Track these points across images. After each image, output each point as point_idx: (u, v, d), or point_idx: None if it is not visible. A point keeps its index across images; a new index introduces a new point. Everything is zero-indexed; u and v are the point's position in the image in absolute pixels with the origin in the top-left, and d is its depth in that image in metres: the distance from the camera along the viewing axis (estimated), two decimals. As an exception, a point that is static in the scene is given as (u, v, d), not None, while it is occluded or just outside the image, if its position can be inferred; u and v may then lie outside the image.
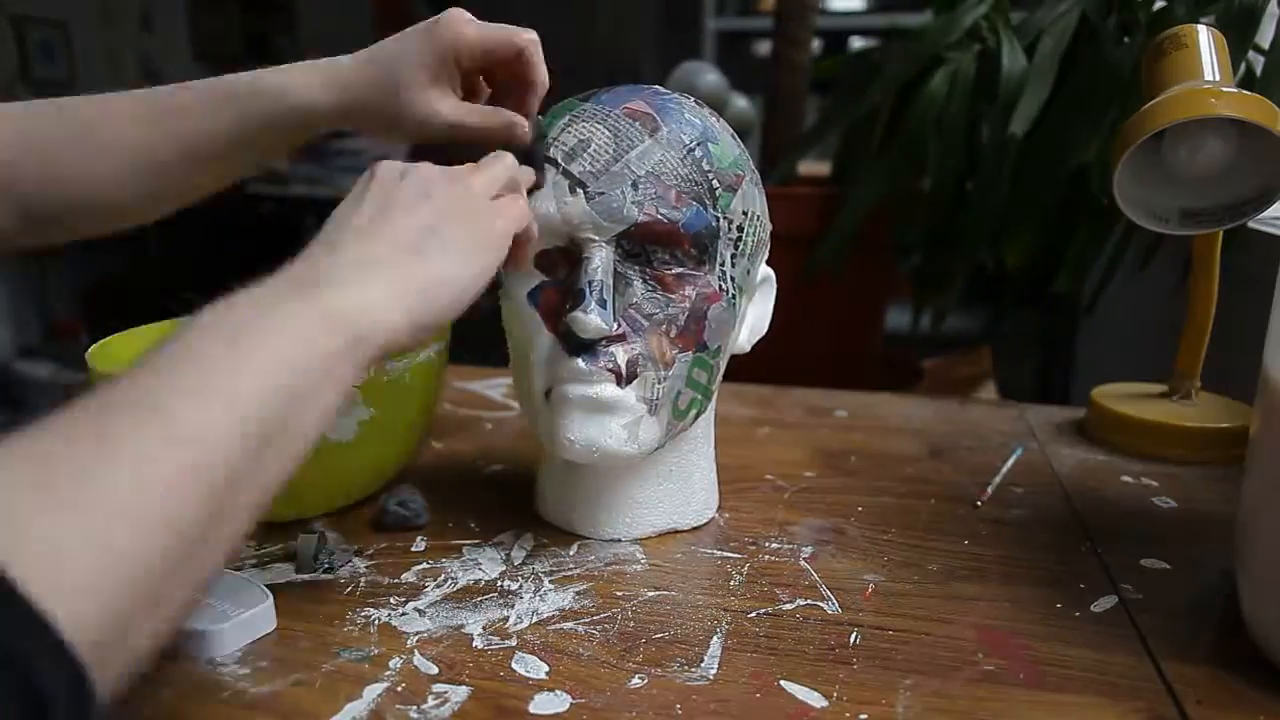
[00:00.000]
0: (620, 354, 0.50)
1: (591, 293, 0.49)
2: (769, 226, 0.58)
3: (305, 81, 0.52)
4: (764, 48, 2.70)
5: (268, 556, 0.55)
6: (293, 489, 0.58)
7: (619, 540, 0.57)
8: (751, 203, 0.55)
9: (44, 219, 0.52)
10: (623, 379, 0.50)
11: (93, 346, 0.59)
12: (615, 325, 0.50)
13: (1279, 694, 0.41)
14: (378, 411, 0.56)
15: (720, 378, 0.57)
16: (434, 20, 0.53)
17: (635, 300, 0.51)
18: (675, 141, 0.51)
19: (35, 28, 3.58)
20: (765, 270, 0.59)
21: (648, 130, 0.51)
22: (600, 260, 0.50)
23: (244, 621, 0.46)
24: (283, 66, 0.53)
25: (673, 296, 0.52)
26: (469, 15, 0.53)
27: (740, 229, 0.54)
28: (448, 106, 0.53)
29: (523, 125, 0.53)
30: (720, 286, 0.53)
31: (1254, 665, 0.43)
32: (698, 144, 0.52)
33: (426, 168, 0.44)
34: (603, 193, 0.50)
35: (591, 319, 0.48)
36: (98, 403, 0.29)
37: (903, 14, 2.12)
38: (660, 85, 0.57)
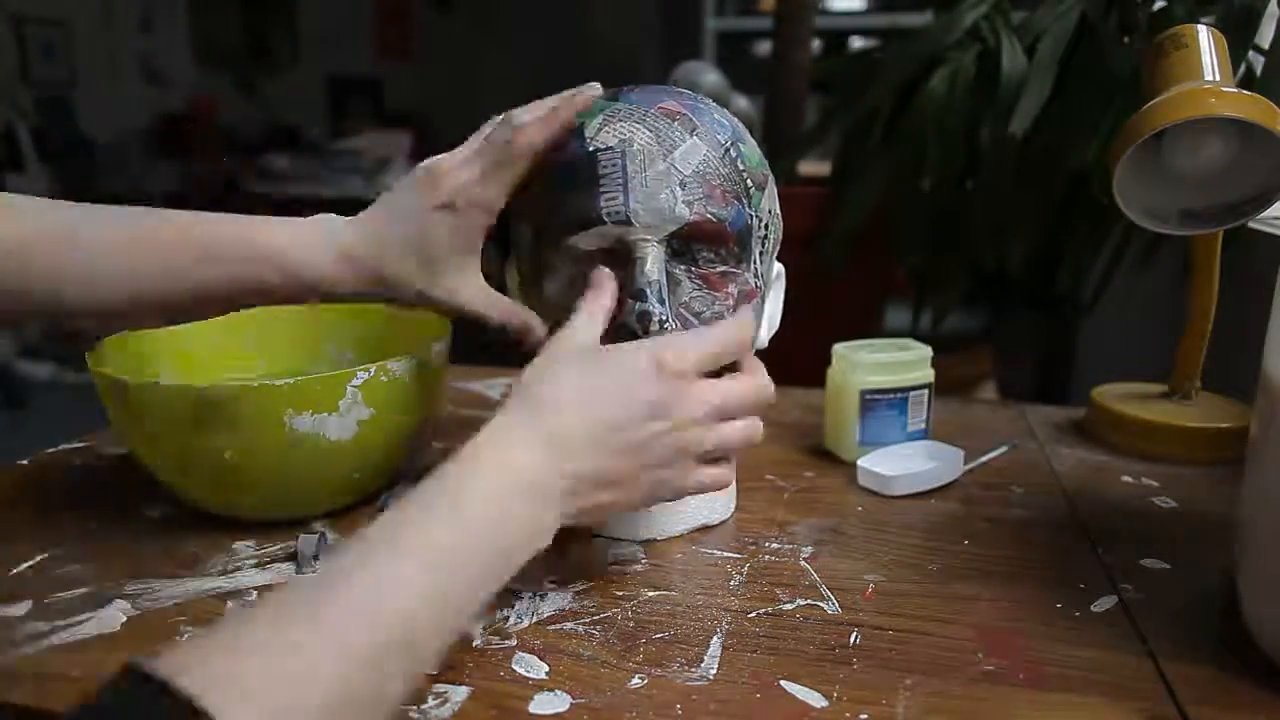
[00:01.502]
0: None
1: (652, 291, 0.49)
2: (782, 223, 0.59)
3: (307, 253, 0.50)
4: (764, 48, 2.70)
5: (268, 557, 0.55)
6: (293, 489, 0.58)
7: (655, 539, 0.57)
8: (774, 201, 0.57)
9: (28, 315, 0.50)
10: None
11: (93, 346, 0.59)
12: (672, 325, 0.50)
13: (1279, 694, 0.41)
14: (378, 411, 0.56)
15: None
16: (442, 187, 0.50)
17: (685, 299, 0.52)
18: (713, 141, 0.52)
19: (35, 28, 3.57)
20: (778, 265, 0.60)
21: (687, 130, 0.51)
22: (647, 257, 0.50)
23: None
24: (296, 236, 0.51)
25: (718, 295, 0.52)
26: (467, 162, 0.51)
27: (767, 227, 0.55)
28: (472, 295, 0.53)
29: (539, 333, 0.54)
30: (755, 284, 0.54)
31: (1254, 665, 0.43)
32: (732, 143, 0.53)
33: (713, 403, 0.46)
34: (651, 192, 0.50)
35: (656, 314, 0.49)
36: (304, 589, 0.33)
37: (903, 14, 2.13)
38: (661, 86, 0.57)
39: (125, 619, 0.48)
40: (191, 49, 4.34)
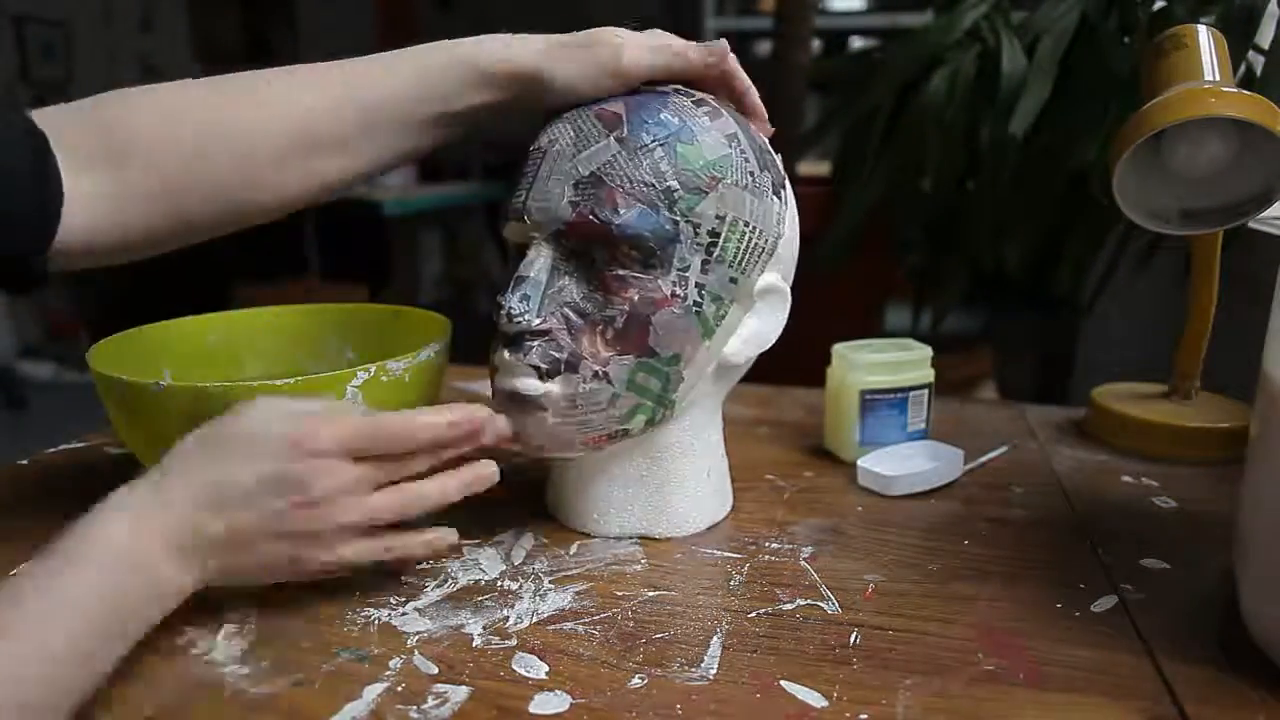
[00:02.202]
0: (542, 350, 0.51)
1: (515, 286, 0.50)
2: (784, 235, 0.55)
3: (491, 41, 0.54)
4: (764, 48, 2.70)
5: (268, 556, 0.55)
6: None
7: (592, 536, 0.58)
8: (736, 207, 0.52)
9: (203, 218, 0.52)
10: (543, 374, 0.51)
11: (93, 346, 0.59)
12: (540, 320, 0.51)
13: (1279, 694, 0.41)
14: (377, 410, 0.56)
15: (702, 388, 0.56)
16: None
17: (572, 299, 0.51)
18: (632, 141, 0.50)
19: (35, 28, 3.57)
20: (770, 280, 0.55)
21: (608, 130, 0.51)
22: (535, 256, 0.51)
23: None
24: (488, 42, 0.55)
25: (612, 298, 0.51)
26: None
27: (715, 234, 0.52)
28: (639, 52, 0.53)
29: (722, 52, 0.55)
30: (674, 292, 0.51)
31: (1254, 665, 0.43)
32: (659, 144, 0.50)
33: (334, 478, 0.44)
34: (545, 191, 0.51)
35: (507, 308, 0.50)
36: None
37: (903, 14, 2.12)
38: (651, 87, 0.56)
39: (125, 619, 0.48)
40: (191, 49, 4.34)
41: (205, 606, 0.49)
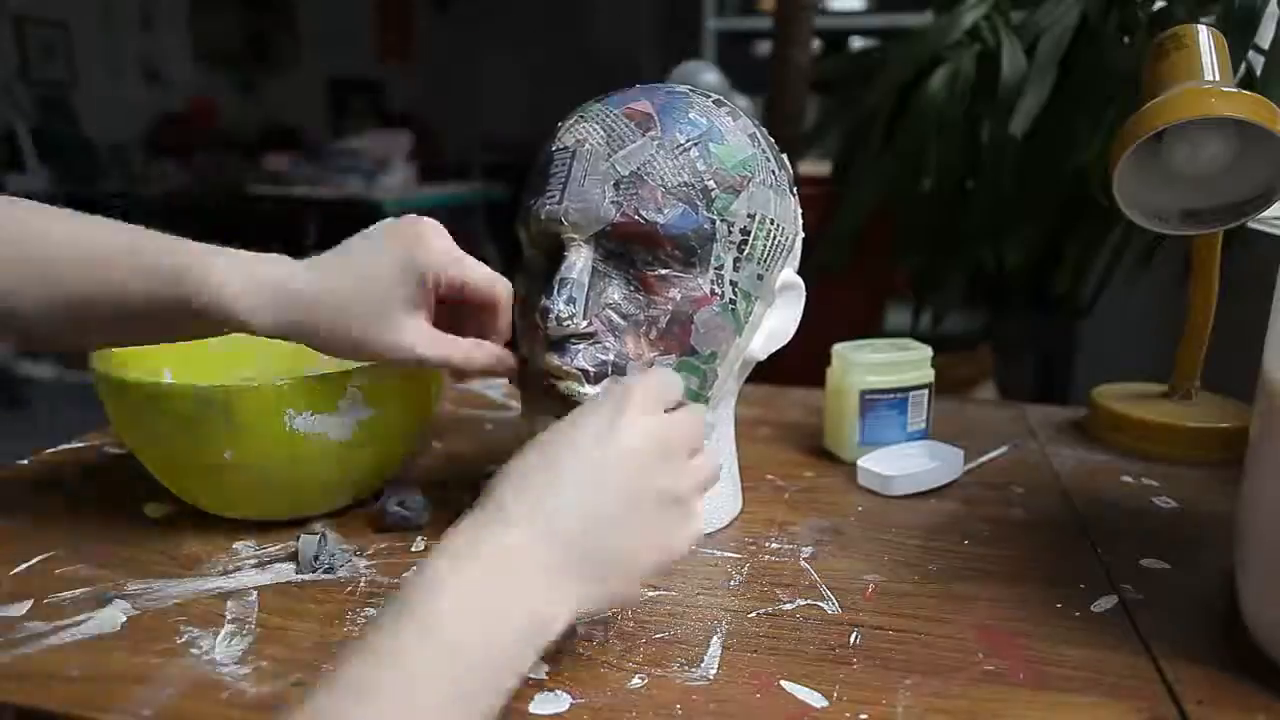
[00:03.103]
0: (589, 353, 0.50)
1: (560, 289, 0.49)
2: (799, 233, 0.57)
3: (245, 296, 0.47)
4: (764, 48, 2.69)
5: (268, 557, 0.55)
6: (293, 489, 0.58)
7: None
8: (764, 206, 0.53)
9: None
10: (590, 378, 0.50)
11: (93, 346, 0.59)
12: (586, 323, 0.50)
13: (1279, 694, 0.41)
14: (378, 411, 0.56)
15: (728, 385, 0.56)
16: (412, 235, 0.50)
17: (614, 300, 0.51)
18: (668, 140, 0.51)
19: (35, 28, 3.57)
20: (789, 277, 0.57)
21: (641, 129, 0.51)
22: (576, 258, 0.50)
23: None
24: (227, 259, 0.48)
25: (655, 298, 0.51)
26: (444, 235, 0.50)
27: (746, 232, 0.52)
28: (423, 340, 0.49)
29: (509, 361, 0.52)
30: (713, 290, 0.52)
31: (1254, 665, 0.43)
32: (694, 143, 0.51)
33: (671, 439, 0.40)
34: (583, 192, 0.50)
35: (554, 312, 0.49)
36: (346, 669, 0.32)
37: (903, 14, 2.12)
38: (658, 85, 0.56)
39: (125, 619, 0.48)
40: (191, 49, 4.34)
41: (205, 606, 0.49)
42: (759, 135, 0.55)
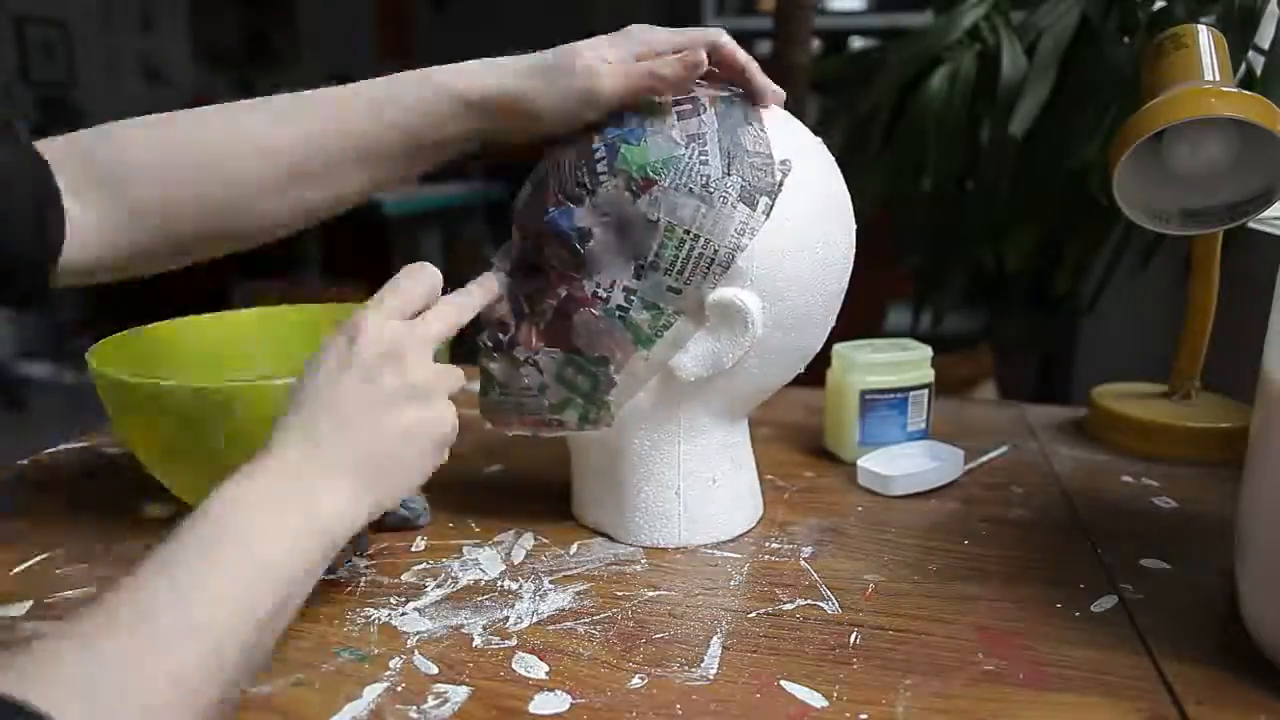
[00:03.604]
0: (492, 329, 0.55)
1: (483, 278, 0.53)
2: (741, 247, 0.50)
3: (469, 67, 0.52)
4: (764, 48, 2.69)
5: (268, 556, 0.55)
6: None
7: (568, 521, 0.60)
8: (672, 213, 0.49)
9: (194, 241, 0.53)
10: (488, 352, 0.55)
11: (93, 346, 0.59)
12: (495, 307, 0.54)
13: (1279, 694, 0.41)
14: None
15: (647, 397, 0.54)
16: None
17: (528, 290, 0.54)
18: (585, 139, 0.51)
19: (35, 28, 3.57)
20: (726, 297, 0.50)
21: (583, 130, 0.52)
22: (507, 249, 0.55)
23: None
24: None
25: (547, 293, 0.53)
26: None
27: (648, 238, 0.50)
28: (610, 70, 0.50)
29: (698, 58, 0.50)
30: (596, 294, 0.51)
31: (1254, 665, 0.43)
32: (606, 145, 0.51)
33: (399, 344, 0.44)
34: (525, 188, 0.55)
35: (471, 286, 0.52)
36: (111, 605, 0.32)
37: (903, 14, 2.12)
38: None
39: (125, 619, 0.48)
40: (191, 49, 4.34)
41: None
42: (711, 136, 0.50)
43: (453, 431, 0.46)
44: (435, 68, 0.52)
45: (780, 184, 0.50)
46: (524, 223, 0.54)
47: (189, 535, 0.35)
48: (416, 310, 0.46)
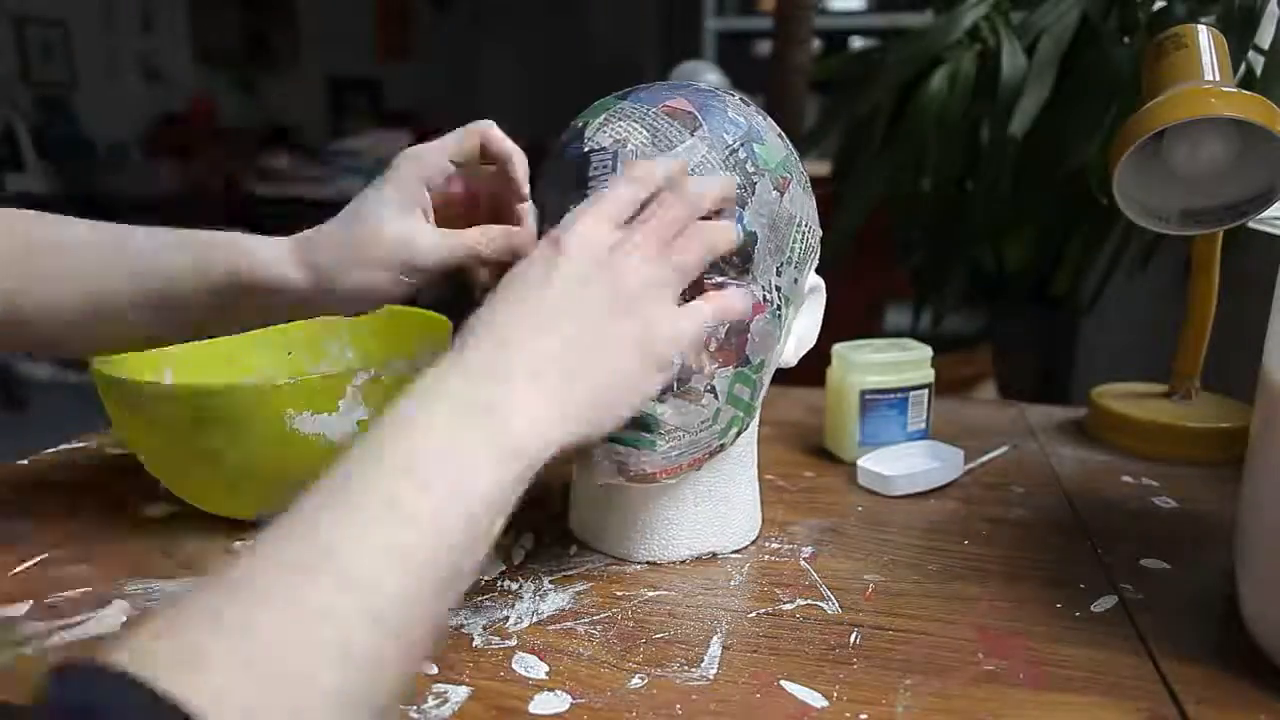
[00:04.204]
0: None
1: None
2: (819, 233, 0.55)
3: (276, 252, 0.47)
4: (764, 48, 2.69)
5: (268, 556, 0.55)
6: (293, 489, 0.58)
7: (656, 563, 0.54)
8: (801, 208, 0.52)
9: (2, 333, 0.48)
10: (664, 395, 0.48)
11: (93, 346, 0.59)
12: None
13: (1279, 694, 0.41)
14: (377, 412, 0.56)
15: (764, 394, 0.54)
16: (401, 156, 0.50)
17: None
18: (718, 141, 0.48)
19: (35, 28, 3.58)
20: (815, 279, 0.55)
21: (688, 129, 0.48)
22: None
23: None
24: (257, 238, 0.48)
25: None
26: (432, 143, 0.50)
27: (787, 236, 0.51)
28: (429, 238, 0.48)
29: (527, 236, 0.49)
30: (765, 297, 0.50)
31: (1254, 665, 0.43)
32: (741, 144, 0.49)
33: (620, 260, 0.39)
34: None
35: None
36: (269, 549, 0.29)
37: (903, 14, 2.13)
38: (679, 83, 0.54)
39: (125, 619, 0.48)
40: (191, 49, 4.34)
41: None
42: (783, 135, 0.53)
43: (678, 347, 0.40)
44: (241, 250, 0.47)
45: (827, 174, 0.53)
46: None
47: (343, 468, 0.32)
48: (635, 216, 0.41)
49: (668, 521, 0.54)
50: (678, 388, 0.48)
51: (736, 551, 0.56)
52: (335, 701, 0.26)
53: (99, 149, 3.73)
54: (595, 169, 0.49)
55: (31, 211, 0.49)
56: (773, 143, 0.51)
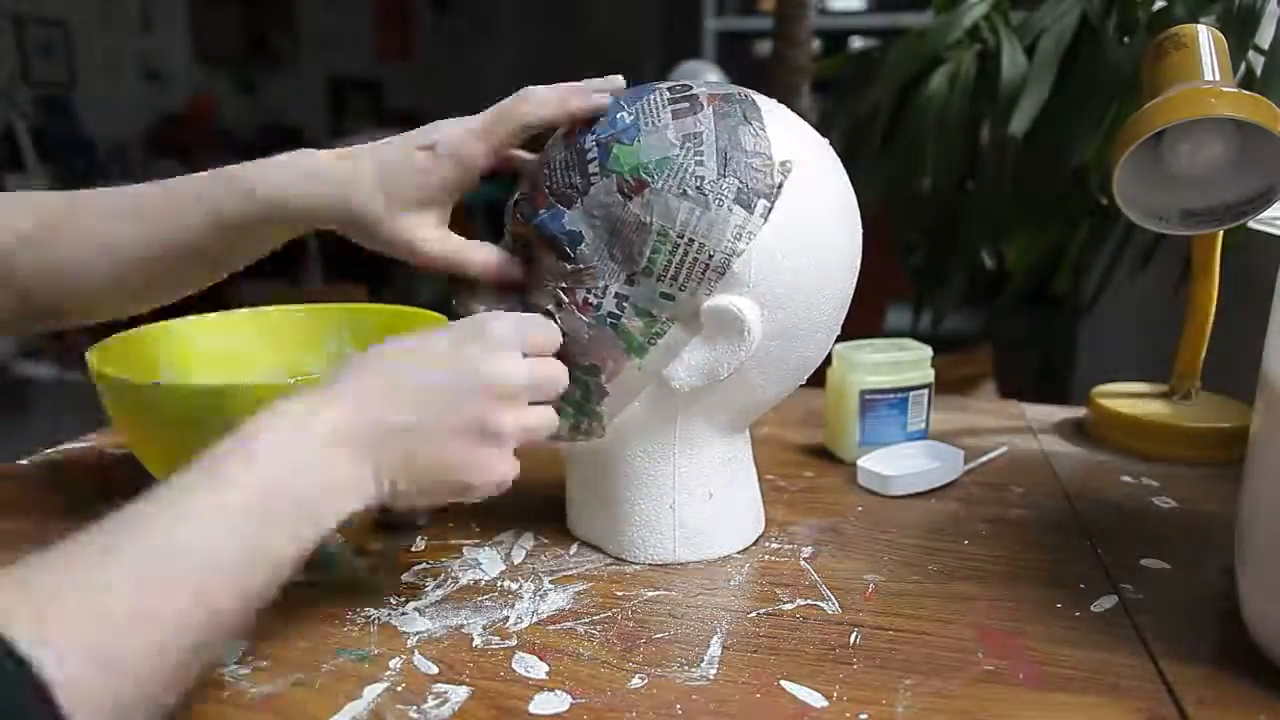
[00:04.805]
0: None
1: (482, 292, 0.53)
2: (737, 252, 0.48)
3: (278, 174, 0.52)
4: (764, 48, 2.70)
5: (268, 556, 0.55)
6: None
7: (569, 536, 0.58)
8: (666, 216, 0.47)
9: (43, 310, 0.53)
10: None
11: (93, 346, 0.59)
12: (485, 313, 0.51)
13: (1279, 694, 0.41)
14: (378, 411, 0.56)
15: (641, 409, 0.52)
16: (433, 135, 0.51)
17: (520, 300, 0.53)
18: (577, 142, 0.50)
19: (35, 28, 3.58)
20: (722, 305, 0.48)
21: (564, 132, 0.51)
22: (502, 255, 0.53)
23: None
24: (262, 161, 0.53)
25: (539, 299, 0.51)
26: (468, 121, 0.52)
27: (640, 243, 0.48)
28: (436, 235, 0.53)
29: (513, 271, 0.53)
30: (587, 300, 0.49)
31: (1254, 665, 0.43)
32: (597, 144, 0.49)
33: (505, 368, 0.44)
34: (515, 195, 0.53)
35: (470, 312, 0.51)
36: (105, 529, 0.35)
37: (903, 14, 2.13)
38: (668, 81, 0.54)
39: (125, 619, 0.48)
40: (191, 49, 4.34)
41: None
42: (708, 136, 0.48)
43: (503, 482, 0.45)
44: (260, 174, 0.51)
45: (780, 186, 0.48)
46: (514, 225, 0.53)
47: (179, 478, 0.36)
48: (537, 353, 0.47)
49: (574, 501, 0.58)
50: None
51: (740, 552, 0.56)
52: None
53: (99, 149, 3.73)
54: (549, 168, 0.51)
55: (56, 194, 0.52)
56: (649, 143, 0.48)
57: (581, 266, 0.49)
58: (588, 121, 0.50)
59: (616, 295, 0.49)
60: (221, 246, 0.52)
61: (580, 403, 0.52)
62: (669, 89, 0.50)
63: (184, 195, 0.51)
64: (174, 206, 0.51)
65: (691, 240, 0.47)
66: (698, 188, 0.47)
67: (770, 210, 0.48)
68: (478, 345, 0.44)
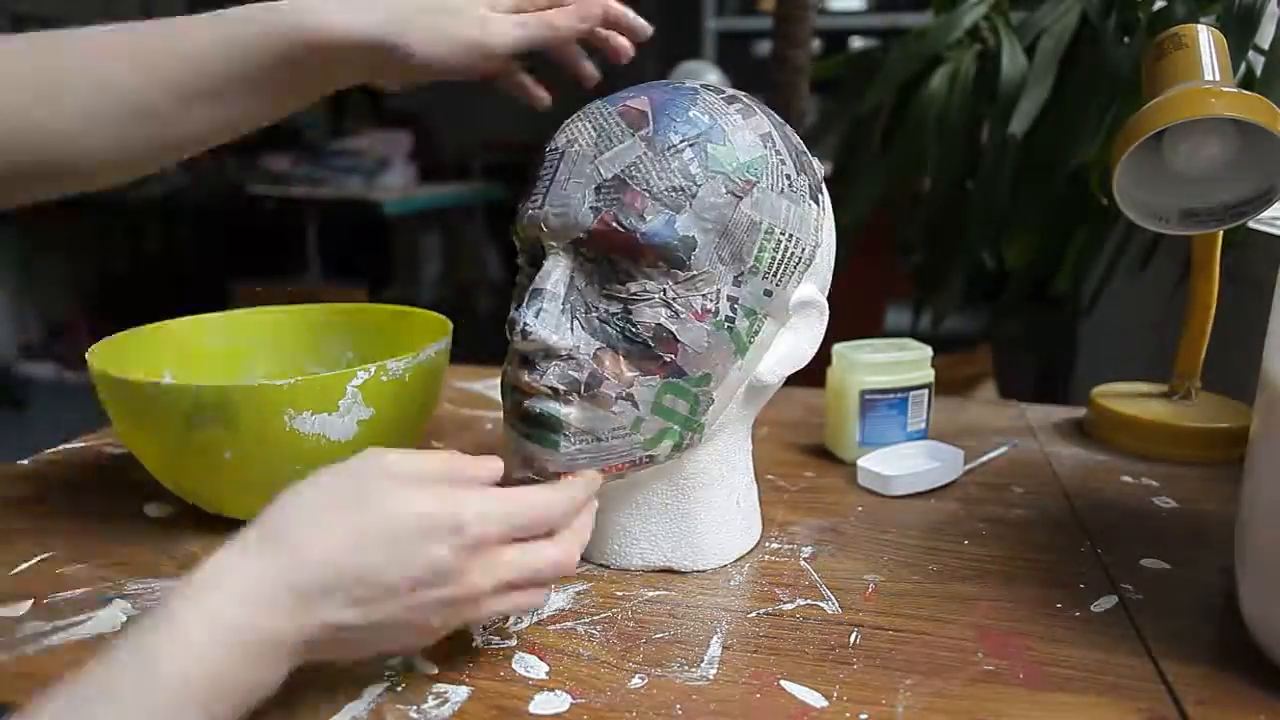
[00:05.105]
0: (559, 370, 0.47)
1: (531, 301, 0.47)
2: (820, 244, 0.51)
3: (329, 4, 0.48)
4: (764, 48, 2.70)
5: (268, 556, 0.55)
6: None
7: (608, 566, 0.54)
8: (773, 214, 0.48)
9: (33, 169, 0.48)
10: (560, 396, 0.47)
11: (93, 346, 0.59)
12: (559, 338, 0.47)
13: (1279, 694, 0.41)
14: (378, 411, 0.56)
15: (732, 411, 0.52)
16: None
17: (592, 314, 0.48)
18: (660, 141, 0.46)
19: (35, 28, 3.57)
20: (807, 293, 0.51)
21: (633, 128, 0.47)
22: (553, 266, 0.47)
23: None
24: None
25: (638, 313, 0.47)
26: None
27: (749, 243, 0.48)
28: (506, 23, 0.50)
29: (595, 9, 0.51)
30: (705, 307, 0.47)
31: (1254, 665, 0.43)
32: (689, 144, 0.46)
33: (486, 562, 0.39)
34: (564, 196, 0.47)
35: (521, 324, 0.46)
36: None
37: (903, 14, 2.13)
38: (666, 82, 0.53)
39: (125, 619, 0.48)
40: (191, 49, 4.33)
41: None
42: (775, 136, 0.49)
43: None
44: (287, 4, 0.48)
45: (823, 178, 0.52)
46: (595, 236, 0.46)
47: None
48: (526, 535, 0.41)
49: (623, 529, 0.54)
50: (585, 391, 0.47)
51: (742, 555, 0.56)
52: None
53: (99, 149, 3.72)
54: (544, 169, 0.49)
55: (54, 32, 0.51)
56: (740, 143, 0.47)
57: (695, 273, 0.47)
58: (633, 118, 0.47)
59: (729, 298, 0.48)
60: (247, 91, 0.49)
61: (688, 417, 0.49)
62: (704, 87, 0.50)
63: (212, 31, 0.48)
64: (198, 44, 0.48)
65: (792, 236, 0.49)
66: (789, 185, 0.49)
67: (824, 201, 0.53)
68: (459, 554, 0.38)
